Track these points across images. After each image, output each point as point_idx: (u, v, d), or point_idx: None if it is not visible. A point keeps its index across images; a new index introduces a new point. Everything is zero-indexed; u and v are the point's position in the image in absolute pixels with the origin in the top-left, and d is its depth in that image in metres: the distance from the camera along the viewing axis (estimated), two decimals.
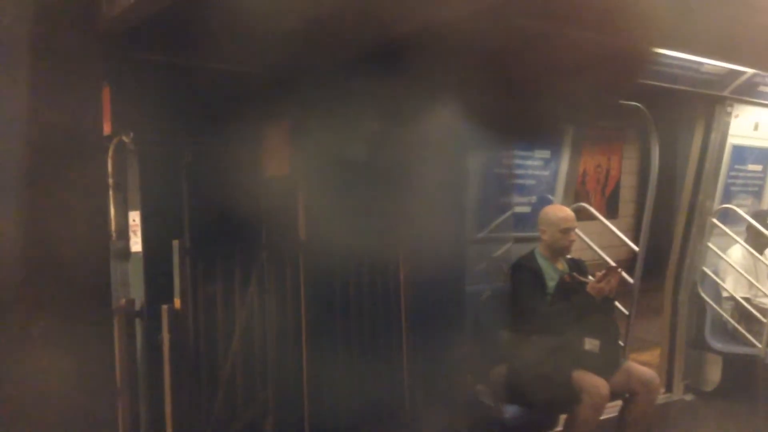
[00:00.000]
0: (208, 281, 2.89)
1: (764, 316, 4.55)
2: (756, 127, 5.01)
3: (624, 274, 3.93)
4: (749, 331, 4.64)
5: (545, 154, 4.18)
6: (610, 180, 5.04)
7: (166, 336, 2.62)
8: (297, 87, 2.93)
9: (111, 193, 2.69)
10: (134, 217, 2.72)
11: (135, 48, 2.63)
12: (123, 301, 2.68)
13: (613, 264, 4.14)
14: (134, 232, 2.73)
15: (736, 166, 4.96)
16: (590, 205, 4.61)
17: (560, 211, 3.94)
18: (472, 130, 3.30)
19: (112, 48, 2.51)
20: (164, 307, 2.64)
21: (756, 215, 4.90)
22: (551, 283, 3.81)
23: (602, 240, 4.56)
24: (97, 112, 2.58)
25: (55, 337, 2.36)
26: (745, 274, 4.71)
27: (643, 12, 2.27)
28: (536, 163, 4.19)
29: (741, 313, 4.74)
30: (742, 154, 4.97)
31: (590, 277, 3.86)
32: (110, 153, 2.69)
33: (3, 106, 2.31)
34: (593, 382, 3.52)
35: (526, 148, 4.13)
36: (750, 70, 4.50)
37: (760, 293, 4.72)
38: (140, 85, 2.67)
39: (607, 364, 3.69)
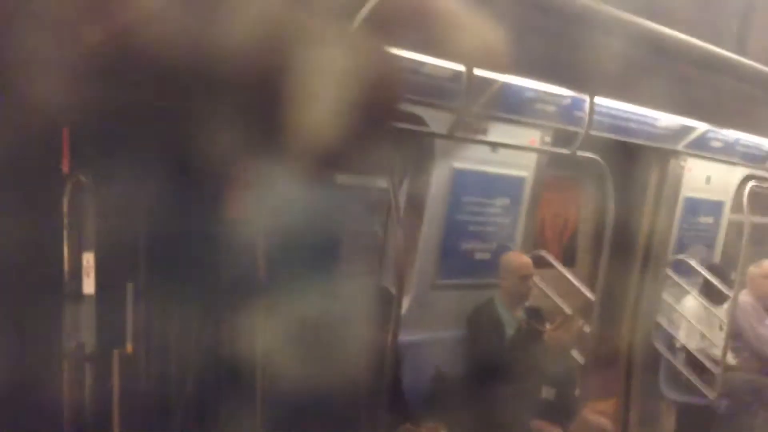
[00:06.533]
0: (163, 324, 2.83)
1: (716, 366, 4.63)
2: (708, 181, 5.18)
3: (580, 323, 3.97)
4: (702, 381, 4.70)
5: (505, 201, 4.22)
6: (567, 229, 5.14)
7: (116, 382, 2.55)
8: (259, 128, 2.93)
9: (65, 233, 2.64)
10: (88, 259, 2.67)
11: (94, 88, 2.61)
12: (73, 345, 2.60)
13: (569, 312, 4.19)
14: (87, 273, 2.66)
15: (689, 218, 5.09)
16: (548, 253, 4.66)
17: (519, 258, 3.99)
18: None
19: (71, 87, 2.48)
20: (115, 351, 2.57)
21: (712, 268, 5.02)
22: (510, 331, 3.83)
23: (561, 287, 4.60)
24: (56, 151, 2.55)
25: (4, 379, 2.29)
26: (698, 325, 4.80)
27: None
28: (497, 210, 4.23)
29: (694, 362, 4.81)
30: (694, 206, 5.11)
31: (547, 325, 3.89)
32: (67, 192, 2.64)
33: None
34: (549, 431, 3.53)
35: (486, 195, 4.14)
36: (703, 126, 4.67)
37: (712, 343, 4.80)
38: (99, 125, 2.64)
39: (564, 413, 3.70)
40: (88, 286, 2.66)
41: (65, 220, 2.63)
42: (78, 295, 2.67)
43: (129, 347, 2.59)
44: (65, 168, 2.60)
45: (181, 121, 2.66)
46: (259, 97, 2.52)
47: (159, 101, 2.72)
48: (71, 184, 2.64)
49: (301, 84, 2.46)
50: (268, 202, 3.04)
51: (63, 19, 2.37)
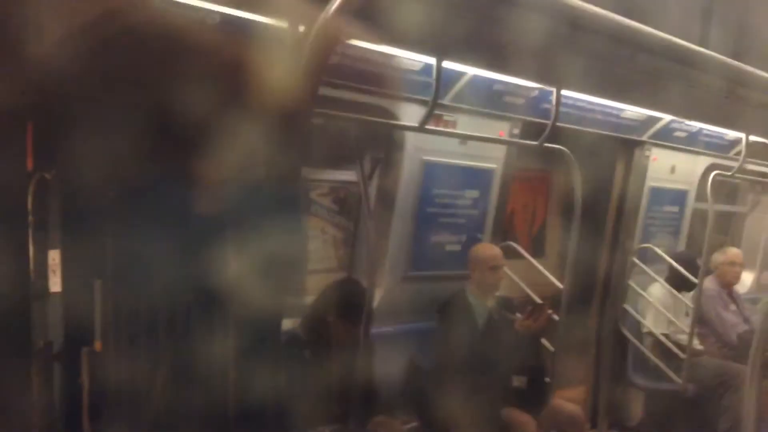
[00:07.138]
0: (131, 322, 2.80)
1: (683, 352, 4.72)
2: (673, 170, 5.27)
3: (550, 312, 4.02)
4: (669, 367, 4.80)
5: (475, 193, 4.26)
6: (536, 219, 5.21)
7: (85, 380, 2.52)
8: (227, 124, 2.91)
9: (30, 231, 2.60)
10: (54, 257, 2.63)
11: (60, 83, 2.57)
12: (41, 343, 2.57)
13: (539, 301, 4.24)
14: (54, 271, 2.63)
15: (655, 207, 5.18)
16: (518, 244, 4.72)
17: (489, 249, 4.03)
18: None
19: (36, 83, 2.44)
20: (84, 349, 2.55)
21: (678, 256, 5.12)
22: (480, 321, 3.87)
23: (530, 277, 4.66)
24: (20, 147, 2.50)
25: None
26: (664, 311, 4.89)
27: None
28: (466, 202, 4.26)
29: (661, 349, 4.90)
30: (660, 195, 5.20)
31: (518, 315, 3.94)
32: (31, 190, 2.60)
33: None
34: (521, 419, 3.58)
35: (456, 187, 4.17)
36: (667, 117, 4.74)
37: (679, 329, 4.90)
38: (65, 121, 2.60)
39: (535, 400, 3.76)
40: (55, 284, 2.62)
41: (30, 218, 2.59)
42: (45, 293, 2.63)
43: (97, 345, 2.57)
44: (29, 165, 2.56)
45: (149, 118, 2.64)
46: (226, 93, 2.51)
47: (126, 97, 2.69)
48: (36, 181, 2.60)
49: (264, 79, 2.45)
50: (236, 198, 3.02)
51: (29, 13, 2.33)
